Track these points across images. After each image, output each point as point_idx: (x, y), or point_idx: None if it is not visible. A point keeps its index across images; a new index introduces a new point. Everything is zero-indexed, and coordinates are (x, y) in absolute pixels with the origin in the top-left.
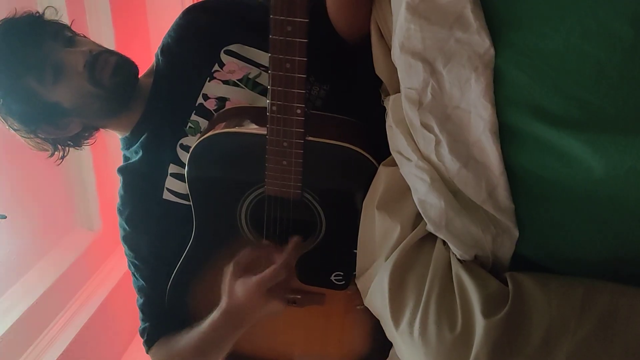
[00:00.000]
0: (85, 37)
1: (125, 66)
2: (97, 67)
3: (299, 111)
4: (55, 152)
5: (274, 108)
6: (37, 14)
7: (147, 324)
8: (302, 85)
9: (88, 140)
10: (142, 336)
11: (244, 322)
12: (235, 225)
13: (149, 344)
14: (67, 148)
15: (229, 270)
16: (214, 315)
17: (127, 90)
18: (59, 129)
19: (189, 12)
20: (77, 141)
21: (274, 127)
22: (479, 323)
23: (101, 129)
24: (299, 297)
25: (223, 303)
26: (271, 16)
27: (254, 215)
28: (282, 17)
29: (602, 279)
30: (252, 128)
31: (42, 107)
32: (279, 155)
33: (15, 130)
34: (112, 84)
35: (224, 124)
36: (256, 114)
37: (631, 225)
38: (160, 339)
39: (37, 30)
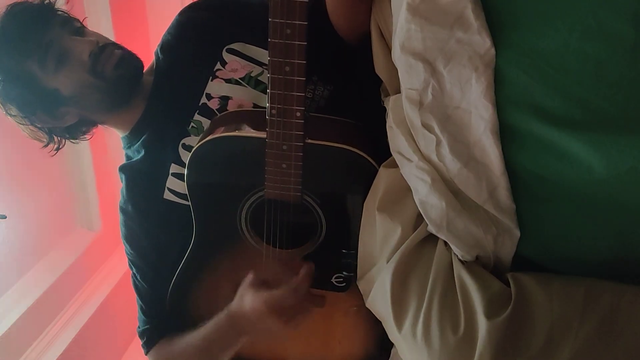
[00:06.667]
0: (95, 32)
1: (130, 60)
2: (101, 58)
3: (298, 114)
4: (50, 143)
5: (274, 111)
6: (49, 2)
7: (146, 326)
8: (301, 88)
9: (85, 135)
10: (141, 338)
11: (245, 330)
12: (236, 228)
13: (148, 345)
14: (62, 140)
15: (248, 278)
16: (220, 316)
17: (129, 85)
18: (55, 118)
19: (189, 10)
20: (73, 133)
21: (273, 130)
22: (482, 324)
23: (100, 126)
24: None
25: (232, 306)
26: (270, 19)
27: (254, 218)
28: (280, 20)
29: (603, 279)
30: (251, 132)
31: (40, 93)
32: (279, 159)
33: (12, 116)
34: (114, 76)
35: (223, 127)
36: (256, 118)
37: (632, 225)
38: (160, 341)
39: (46, 15)
